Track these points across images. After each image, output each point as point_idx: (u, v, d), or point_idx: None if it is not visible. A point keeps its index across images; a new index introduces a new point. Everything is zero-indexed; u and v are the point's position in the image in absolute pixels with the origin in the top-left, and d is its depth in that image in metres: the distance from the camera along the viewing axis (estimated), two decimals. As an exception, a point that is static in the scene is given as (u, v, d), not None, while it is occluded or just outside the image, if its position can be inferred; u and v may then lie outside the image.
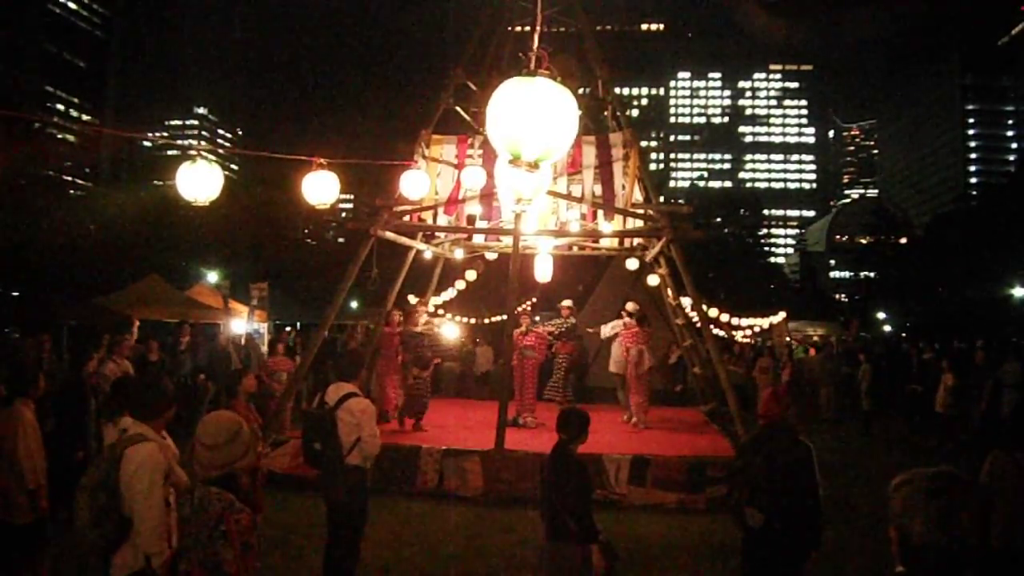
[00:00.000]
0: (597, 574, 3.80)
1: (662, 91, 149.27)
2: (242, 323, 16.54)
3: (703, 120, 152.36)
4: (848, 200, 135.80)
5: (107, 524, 3.05)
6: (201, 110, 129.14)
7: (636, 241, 11.22)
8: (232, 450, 2.72)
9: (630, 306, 10.66)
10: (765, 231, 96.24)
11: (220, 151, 5.95)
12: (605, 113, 11.40)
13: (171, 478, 3.23)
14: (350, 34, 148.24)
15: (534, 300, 17.80)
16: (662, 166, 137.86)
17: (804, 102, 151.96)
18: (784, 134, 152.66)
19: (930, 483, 1.49)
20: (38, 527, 4.41)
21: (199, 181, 4.89)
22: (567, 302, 11.07)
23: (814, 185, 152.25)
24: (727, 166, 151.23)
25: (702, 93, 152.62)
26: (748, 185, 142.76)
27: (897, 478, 1.54)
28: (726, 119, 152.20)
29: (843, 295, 71.67)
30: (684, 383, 13.52)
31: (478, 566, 5.87)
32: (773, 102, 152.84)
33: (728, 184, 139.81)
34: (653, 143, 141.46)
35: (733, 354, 16.97)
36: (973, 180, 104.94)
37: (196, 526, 2.56)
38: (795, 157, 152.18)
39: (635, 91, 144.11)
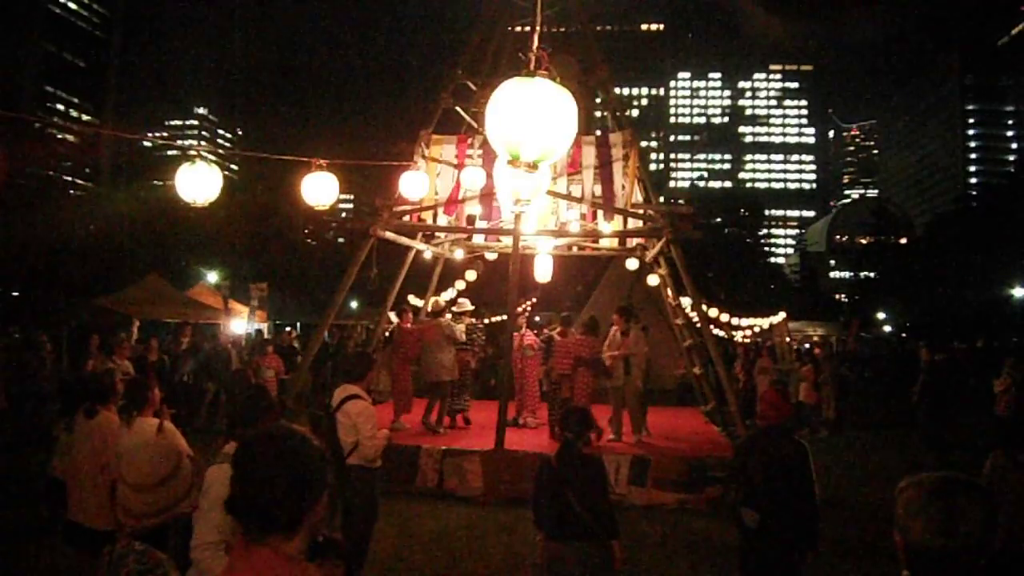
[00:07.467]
0: (617, 567, 3.77)
1: (662, 91, 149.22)
2: (242, 323, 16.53)
3: (703, 120, 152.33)
4: (848, 200, 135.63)
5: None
6: (201, 110, 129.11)
7: (636, 241, 11.21)
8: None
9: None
10: (765, 231, 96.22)
11: (220, 151, 5.95)
12: (604, 113, 11.39)
13: None
14: (350, 34, 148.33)
15: (534, 300, 17.79)
16: (662, 166, 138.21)
17: (804, 102, 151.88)
18: (784, 134, 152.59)
19: (933, 486, 1.48)
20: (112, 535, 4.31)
21: (198, 182, 4.88)
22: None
23: (814, 185, 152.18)
24: (727, 166, 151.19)
25: (702, 93, 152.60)
26: (748, 185, 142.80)
27: (902, 481, 1.54)
28: (726, 119, 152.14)
29: (843, 295, 71.51)
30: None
31: (478, 566, 5.87)
32: (773, 102, 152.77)
33: (728, 184, 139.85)
34: (653, 143, 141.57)
35: (729, 354, 16.99)
36: (973, 180, 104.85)
37: None
38: (795, 157, 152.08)
39: (635, 91, 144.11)
